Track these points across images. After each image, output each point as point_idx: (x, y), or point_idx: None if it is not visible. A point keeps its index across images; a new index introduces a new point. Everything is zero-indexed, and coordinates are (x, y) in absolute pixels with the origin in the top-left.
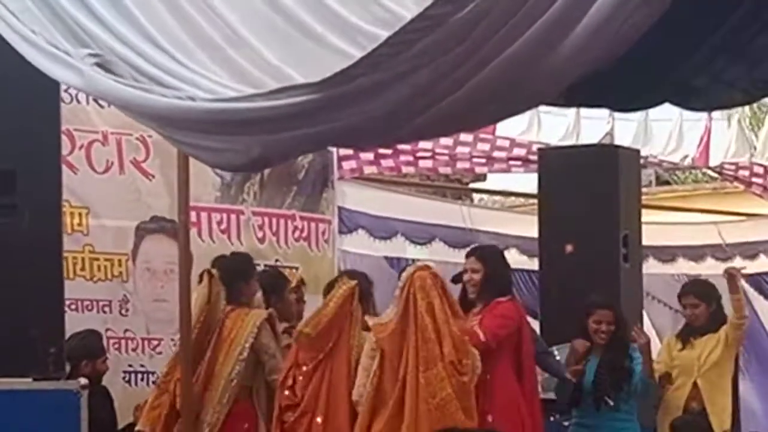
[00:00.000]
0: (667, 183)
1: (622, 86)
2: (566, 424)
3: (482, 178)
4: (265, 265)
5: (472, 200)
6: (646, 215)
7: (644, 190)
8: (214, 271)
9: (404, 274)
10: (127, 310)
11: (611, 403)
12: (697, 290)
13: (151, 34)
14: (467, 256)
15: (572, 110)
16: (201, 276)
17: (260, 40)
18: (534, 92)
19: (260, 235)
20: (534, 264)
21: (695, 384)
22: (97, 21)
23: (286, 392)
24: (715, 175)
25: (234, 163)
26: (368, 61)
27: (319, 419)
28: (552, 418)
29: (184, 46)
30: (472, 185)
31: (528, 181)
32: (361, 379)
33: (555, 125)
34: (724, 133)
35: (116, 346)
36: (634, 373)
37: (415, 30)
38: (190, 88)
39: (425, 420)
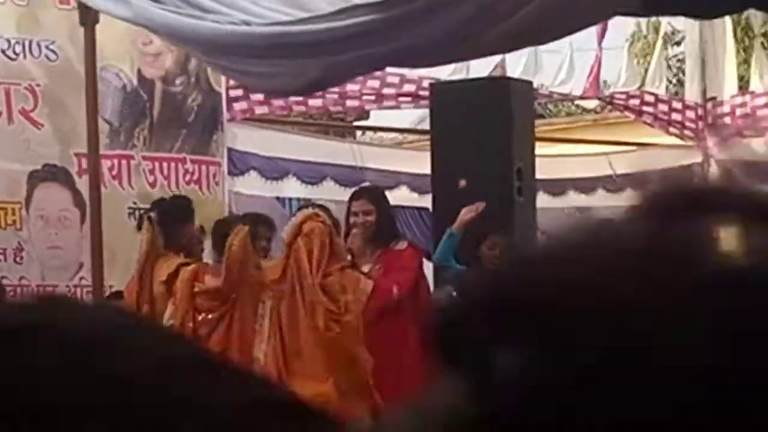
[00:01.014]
0: (542, 116)
1: None
2: None
3: (365, 116)
4: None
5: (354, 137)
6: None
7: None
8: (152, 215)
9: (293, 220)
10: (21, 258)
11: None
12: None
13: None
14: (354, 198)
15: None
16: (139, 221)
17: None
18: (612, 1)
19: (151, 179)
20: (425, 201)
21: None
22: None
23: None
24: (591, 106)
25: (288, 87)
26: None
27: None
28: None
29: None
30: (356, 123)
31: (408, 117)
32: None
33: None
34: (615, 63)
35: (12, 293)
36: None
37: None
38: (241, 14)
39: (319, 352)
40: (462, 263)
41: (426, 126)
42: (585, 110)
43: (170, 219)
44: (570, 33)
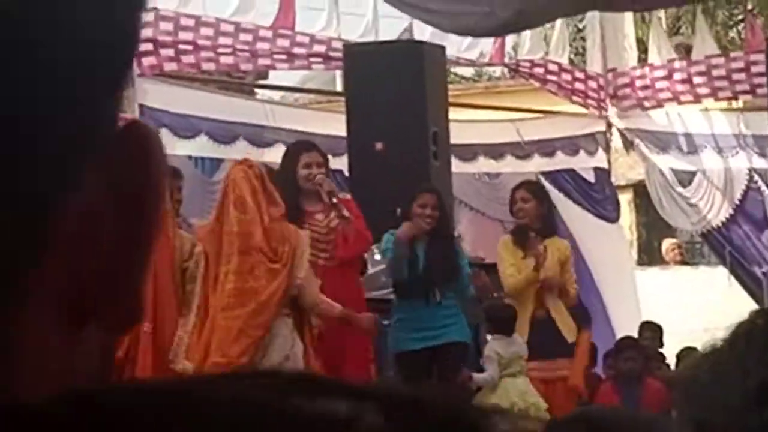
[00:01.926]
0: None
1: None
2: (386, 323)
3: (265, 76)
4: None
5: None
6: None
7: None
8: None
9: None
10: None
11: (438, 297)
12: (532, 188)
13: None
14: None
15: (370, 7)
16: None
17: None
18: None
19: None
20: (340, 163)
21: (538, 292)
22: None
23: None
24: (497, 74)
25: (478, 27)
26: None
27: (146, 327)
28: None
29: None
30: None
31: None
32: None
33: (353, 22)
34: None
35: None
36: (462, 267)
37: None
38: None
39: (223, 316)
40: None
41: (311, 86)
42: (492, 77)
43: None
44: None
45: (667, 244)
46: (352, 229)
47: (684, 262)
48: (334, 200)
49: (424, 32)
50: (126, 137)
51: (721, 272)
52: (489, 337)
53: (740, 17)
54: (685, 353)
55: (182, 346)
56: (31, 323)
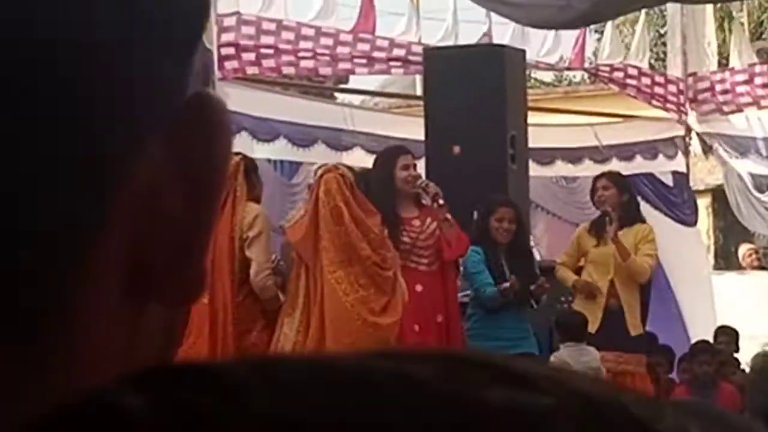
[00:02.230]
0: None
1: None
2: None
3: (345, 80)
4: None
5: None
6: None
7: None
8: None
9: (315, 177)
10: None
11: (535, 306)
12: (615, 178)
13: None
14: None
15: (450, 11)
16: None
17: None
18: None
19: None
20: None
21: (612, 281)
22: None
23: None
24: (577, 79)
25: (555, 19)
26: None
27: (205, 300)
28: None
29: None
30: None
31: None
32: (261, 257)
33: (433, 27)
34: (603, 32)
35: None
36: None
37: None
38: None
39: (338, 319)
40: (472, 240)
41: (391, 90)
42: (572, 82)
43: None
44: None
45: (744, 249)
46: (454, 233)
47: (761, 267)
48: (441, 202)
49: (503, 37)
50: (193, 109)
51: None
52: (561, 346)
53: None
54: (759, 359)
55: (288, 344)
56: (93, 293)
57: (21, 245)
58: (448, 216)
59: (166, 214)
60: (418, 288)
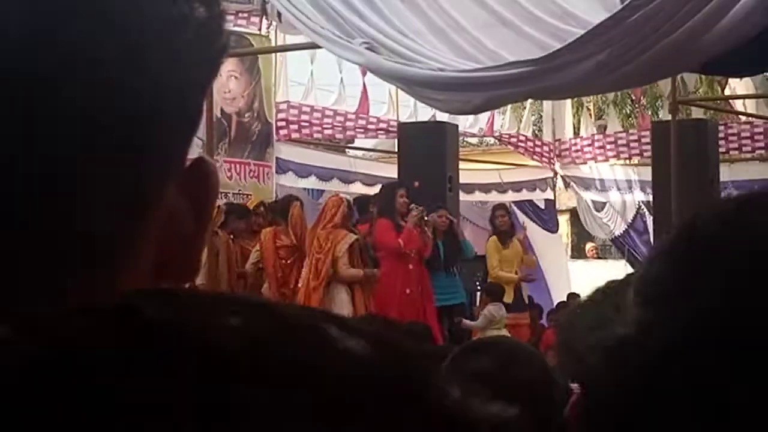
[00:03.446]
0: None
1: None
2: None
3: (351, 141)
4: (232, 194)
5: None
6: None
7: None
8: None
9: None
10: None
11: (456, 272)
12: (506, 207)
13: (397, 26)
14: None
15: (413, 101)
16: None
17: (477, 29)
18: (682, 66)
19: (228, 175)
20: None
21: (516, 271)
22: (360, 18)
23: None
24: (491, 141)
25: (460, 108)
26: (567, 47)
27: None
28: None
29: (423, 35)
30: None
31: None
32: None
33: (403, 110)
34: (505, 113)
35: None
36: (466, 249)
37: (602, 27)
38: (434, 62)
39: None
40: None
41: (380, 148)
42: (487, 143)
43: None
44: (654, 81)
45: (589, 246)
46: (428, 238)
47: (599, 257)
48: (426, 219)
49: (444, 115)
50: (196, 166)
51: (622, 263)
52: (490, 305)
53: (636, 109)
54: (568, 316)
55: None
56: (137, 273)
57: (95, 245)
58: (429, 231)
59: (180, 229)
60: (411, 266)
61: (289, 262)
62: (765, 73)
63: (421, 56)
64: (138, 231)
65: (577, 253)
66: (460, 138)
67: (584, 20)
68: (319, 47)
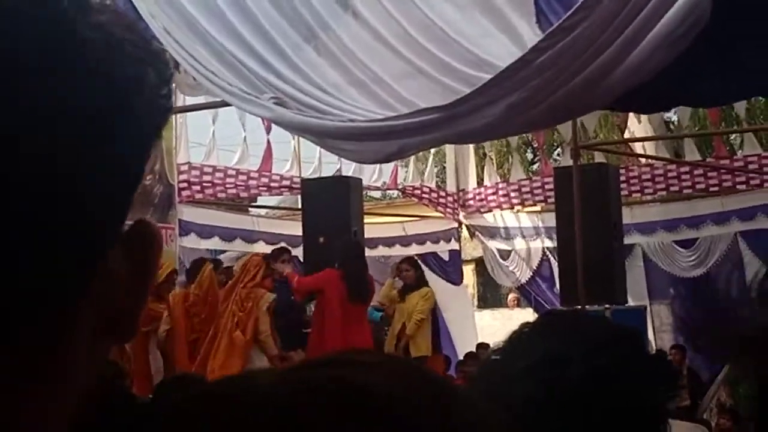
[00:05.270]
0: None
1: (650, 94)
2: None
3: (254, 199)
4: None
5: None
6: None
7: None
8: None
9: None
10: None
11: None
12: (411, 261)
13: (313, 80)
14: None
15: (317, 156)
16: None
17: (394, 80)
18: (592, 104)
19: None
20: (298, 252)
21: (404, 325)
22: (272, 73)
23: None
24: (395, 194)
25: (373, 157)
26: (477, 91)
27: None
28: None
29: (341, 88)
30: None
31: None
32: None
33: (306, 166)
34: (408, 165)
35: None
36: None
37: (510, 70)
38: (347, 114)
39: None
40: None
41: (290, 205)
42: (390, 196)
43: None
44: (564, 121)
45: (511, 296)
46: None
47: (519, 306)
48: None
49: (349, 170)
50: (137, 228)
51: (529, 311)
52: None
53: (538, 156)
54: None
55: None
56: (78, 335)
57: (36, 304)
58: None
59: (121, 286)
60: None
61: (200, 319)
62: (665, 114)
63: (334, 108)
64: (78, 292)
65: (484, 302)
66: (364, 192)
67: (498, 66)
68: (222, 106)
